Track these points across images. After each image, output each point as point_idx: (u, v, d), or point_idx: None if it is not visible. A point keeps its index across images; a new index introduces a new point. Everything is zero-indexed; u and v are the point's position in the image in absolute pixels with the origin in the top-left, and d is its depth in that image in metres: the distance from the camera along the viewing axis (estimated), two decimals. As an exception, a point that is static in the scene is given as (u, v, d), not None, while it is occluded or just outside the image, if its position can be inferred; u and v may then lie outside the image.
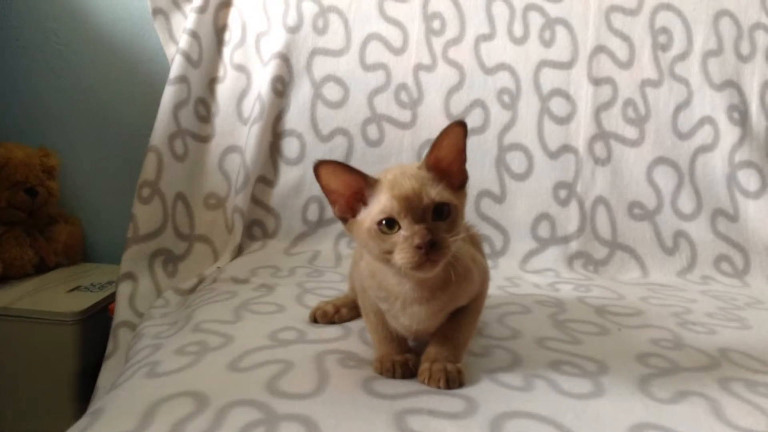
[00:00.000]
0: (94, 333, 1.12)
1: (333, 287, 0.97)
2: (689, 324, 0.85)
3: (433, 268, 0.58)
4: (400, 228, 0.58)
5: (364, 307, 0.70)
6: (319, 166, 0.60)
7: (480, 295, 0.69)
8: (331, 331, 0.77)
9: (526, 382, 0.64)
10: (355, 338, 0.75)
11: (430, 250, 0.57)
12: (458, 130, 0.60)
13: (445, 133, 0.60)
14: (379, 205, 0.59)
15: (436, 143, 0.61)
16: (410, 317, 0.64)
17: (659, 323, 0.85)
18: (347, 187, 0.61)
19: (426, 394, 0.60)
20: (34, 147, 1.33)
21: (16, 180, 1.27)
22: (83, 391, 1.09)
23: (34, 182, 1.29)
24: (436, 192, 0.59)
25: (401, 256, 0.57)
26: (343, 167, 0.60)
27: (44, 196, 1.31)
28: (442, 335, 0.66)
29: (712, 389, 0.63)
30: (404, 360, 0.65)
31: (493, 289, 1.01)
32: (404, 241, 0.57)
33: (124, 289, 1.07)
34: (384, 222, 0.58)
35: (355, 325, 0.80)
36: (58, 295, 1.19)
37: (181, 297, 1.04)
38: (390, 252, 0.58)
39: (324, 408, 0.56)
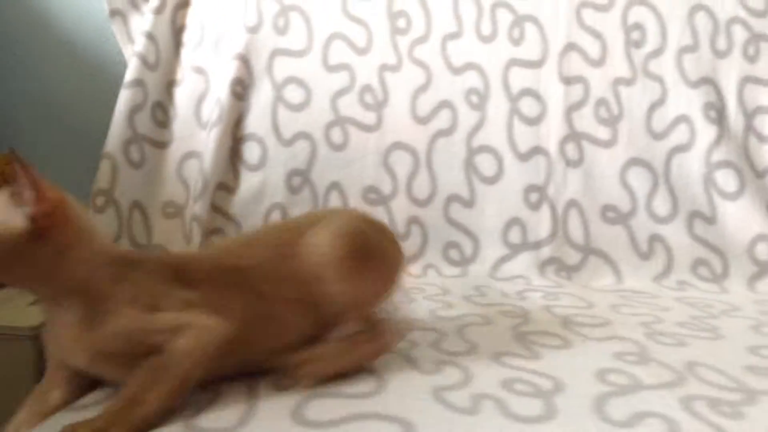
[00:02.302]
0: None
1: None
2: (658, 335, 0.81)
3: None
4: None
5: None
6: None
7: None
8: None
9: (472, 402, 0.60)
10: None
11: None
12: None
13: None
14: None
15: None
16: None
17: (626, 334, 0.81)
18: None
19: (362, 419, 0.56)
20: (-6, 154, 1.29)
21: (-30, 188, 1.22)
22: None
23: (-8, 190, 1.24)
24: None
25: None
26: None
27: (1, 205, 1.26)
28: None
29: (672, 409, 0.59)
30: None
31: (459, 299, 0.97)
32: None
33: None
34: None
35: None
36: (17, 309, 1.14)
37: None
38: None
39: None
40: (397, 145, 1.16)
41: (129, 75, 1.16)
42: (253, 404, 0.58)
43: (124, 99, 1.14)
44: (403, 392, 0.62)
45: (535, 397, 0.61)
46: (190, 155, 1.17)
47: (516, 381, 0.65)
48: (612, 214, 1.13)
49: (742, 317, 0.92)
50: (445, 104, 1.17)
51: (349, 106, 1.17)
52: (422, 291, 1.01)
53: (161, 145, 1.18)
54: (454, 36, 1.18)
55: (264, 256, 0.63)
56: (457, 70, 1.17)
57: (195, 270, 0.60)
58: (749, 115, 1.15)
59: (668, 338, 0.80)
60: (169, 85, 1.20)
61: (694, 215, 1.12)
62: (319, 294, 0.63)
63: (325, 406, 0.58)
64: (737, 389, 0.64)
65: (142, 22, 1.21)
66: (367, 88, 1.17)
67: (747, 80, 1.16)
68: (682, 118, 1.15)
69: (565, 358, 0.72)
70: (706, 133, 1.14)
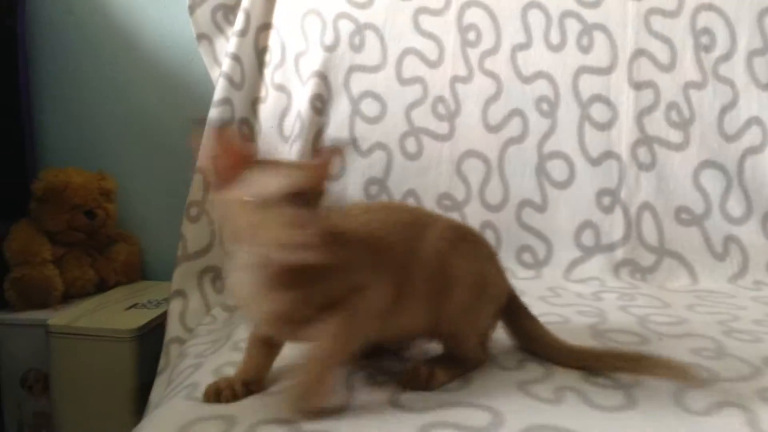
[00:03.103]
0: (152, 349, 1.16)
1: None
2: (734, 332, 0.83)
3: None
4: None
5: None
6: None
7: None
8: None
9: (556, 395, 0.64)
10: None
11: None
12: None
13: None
14: (257, 181, 0.56)
15: None
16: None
17: (703, 332, 0.83)
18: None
19: (452, 407, 0.60)
20: (92, 171, 1.40)
21: (75, 203, 1.34)
22: (142, 405, 1.13)
23: (93, 205, 1.36)
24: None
25: (274, 232, 0.54)
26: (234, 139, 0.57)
27: (102, 218, 1.37)
28: None
29: (750, 400, 0.62)
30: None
31: (535, 300, 1.01)
32: (283, 217, 0.54)
33: (174, 307, 1.12)
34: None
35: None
36: (116, 313, 1.24)
37: (229, 313, 1.07)
38: (256, 228, 0.55)
39: (350, 423, 0.57)
40: (470, 153, 1.21)
41: (217, 94, 1.25)
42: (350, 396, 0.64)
43: (213, 116, 1.23)
44: (488, 386, 0.66)
45: (616, 389, 0.65)
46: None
47: (596, 375, 0.68)
48: (686, 216, 1.15)
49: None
50: (515, 113, 1.21)
51: (423, 117, 1.22)
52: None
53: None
54: (524, 46, 1.22)
55: (405, 236, 0.66)
56: (527, 79, 1.21)
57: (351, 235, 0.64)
58: (824, 116, 1.15)
59: (745, 335, 0.82)
60: (254, 102, 1.28)
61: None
62: (443, 281, 0.66)
63: (419, 396, 0.63)
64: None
65: (227, 44, 1.29)
66: (439, 100, 1.22)
67: (821, 81, 1.15)
68: (754, 120, 1.15)
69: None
70: (777, 138, 1.14)
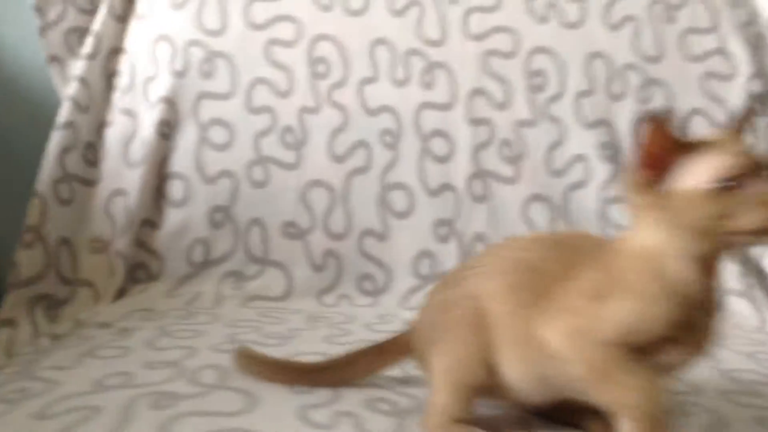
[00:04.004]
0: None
1: (196, 329, 0.98)
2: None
3: None
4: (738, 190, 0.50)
5: (620, 373, 0.55)
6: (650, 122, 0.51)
7: None
8: (160, 374, 0.78)
9: (331, 420, 0.66)
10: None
11: None
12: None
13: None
14: (712, 166, 0.51)
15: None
16: (708, 333, 0.55)
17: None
18: (661, 151, 0.52)
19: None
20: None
21: None
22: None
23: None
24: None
25: (753, 215, 0.49)
26: (667, 130, 0.51)
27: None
28: None
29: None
30: None
31: (359, 327, 1.03)
32: (757, 197, 0.49)
33: (2, 335, 1.07)
34: (727, 181, 0.50)
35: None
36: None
37: (54, 342, 1.04)
38: (726, 217, 0.50)
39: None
40: (315, 183, 1.23)
41: (61, 117, 1.22)
42: (124, 421, 0.63)
43: (55, 140, 1.20)
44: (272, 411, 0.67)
45: (391, 415, 0.67)
46: (117, 193, 1.23)
47: (378, 399, 0.71)
48: (517, 247, 1.20)
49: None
50: (360, 144, 1.24)
51: (271, 145, 1.24)
52: (327, 319, 1.07)
53: (90, 183, 1.24)
54: (371, 81, 1.26)
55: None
56: (372, 112, 1.25)
57: None
58: (642, 154, 1.24)
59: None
60: (100, 126, 1.27)
61: (592, 247, 1.20)
62: None
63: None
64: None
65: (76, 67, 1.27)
66: (287, 129, 1.25)
67: (640, 122, 1.24)
68: (579, 158, 1.23)
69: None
70: (602, 170, 1.22)
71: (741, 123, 0.56)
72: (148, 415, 0.66)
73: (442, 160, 1.24)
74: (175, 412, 0.67)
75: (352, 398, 0.72)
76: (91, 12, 1.31)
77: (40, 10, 1.28)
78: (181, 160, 1.24)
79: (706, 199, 0.50)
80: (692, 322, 0.53)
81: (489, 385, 0.62)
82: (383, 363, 0.75)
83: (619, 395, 0.55)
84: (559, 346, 0.56)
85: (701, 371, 0.87)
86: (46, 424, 0.63)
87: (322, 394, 0.73)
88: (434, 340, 0.65)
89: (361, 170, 1.24)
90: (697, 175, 0.51)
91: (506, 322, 0.59)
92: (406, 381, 0.78)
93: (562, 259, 0.59)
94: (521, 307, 0.58)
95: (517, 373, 0.60)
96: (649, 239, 0.54)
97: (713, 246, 0.52)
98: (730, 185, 0.50)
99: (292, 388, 0.74)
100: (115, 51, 1.30)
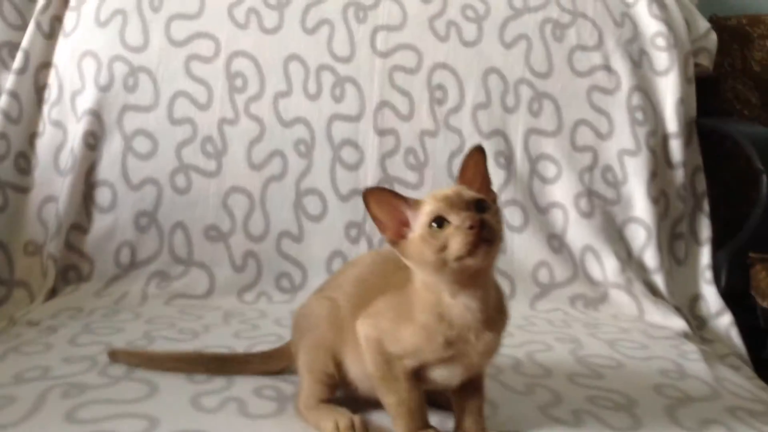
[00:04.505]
0: None
1: (117, 326, 1.08)
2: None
3: (487, 253, 0.60)
4: (449, 224, 0.61)
5: (386, 376, 0.68)
6: (367, 195, 0.64)
7: None
8: (75, 367, 0.88)
9: (220, 405, 0.77)
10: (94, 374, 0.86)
11: (482, 230, 0.59)
12: (478, 155, 0.67)
13: (467, 159, 0.67)
14: (425, 213, 0.62)
15: (462, 169, 0.67)
16: (485, 346, 0.65)
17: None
18: (395, 212, 0.64)
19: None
20: None
21: None
22: None
23: None
24: (474, 192, 0.64)
25: (456, 241, 0.59)
26: (389, 193, 0.64)
27: None
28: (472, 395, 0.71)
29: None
30: None
31: (270, 323, 1.14)
32: (456, 228, 0.60)
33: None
34: (433, 222, 0.61)
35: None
36: None
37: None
38: (444, 248, 0.60)
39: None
40: (235, 189, 1.34)
41: (-8, 129, 1.30)
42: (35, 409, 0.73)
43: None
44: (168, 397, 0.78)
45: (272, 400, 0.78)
46: (48, 199, 1.32)
47: (266, 387, 0.82)
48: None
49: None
50: (276, 153, 1.35)
51: (192, 155, 1.34)
52: (242, 315, 1.18)
53: (24, 190, 1.33)
54: (285, 94, 1.37)
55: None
56: (287, 124, 1.36)
57: None
58: (533, 161, 1.37)
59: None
60: (32, 136, 1.35)
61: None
62: None
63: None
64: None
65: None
66: (208, 139, 1.34)
67: (531, 132, 1.38)
68: (476, 164, 1.35)
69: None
70: (496, 176, 1.35)
71: (467, 163, 0.67)
72: (58, 404, 0.76)
73: (352, 167, 1.35)
74: (82, 400, 0.77)
75: (243, 386, 0.83)
76: (21, 27, 1.39)
77: (-30, 27, 1.35)
78: (107, 169, 1.33)
79: (424, 240, 0.61)
80: (465, 339, 0.65)
81: (340, 378, 0.74)
82: (268, 369, 0.87)
83: (385, 398, 0.69)
84: (363, 346, 0.69)
85: (559, 356, 1.01)
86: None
87: (217, 382, 0.84)
88: (299, 339, 0.77)
89: (277, 177, 1.35)
90: (418, 223, 0.63)
91: (348, 325, 0.71)
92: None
93: (383, 273, 0.72)
94: (353, 313, 0.71)
95: (354, 368, 0.73)
96: (419, 276, 0.66)
97: (453, 275, 0.62)
98: (439, 224, 0.61)
99: (192, 378, 0.85)
100: (44, 65, 1.38)
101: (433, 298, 0.65)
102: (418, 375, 0.68)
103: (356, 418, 0.70)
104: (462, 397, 0.71)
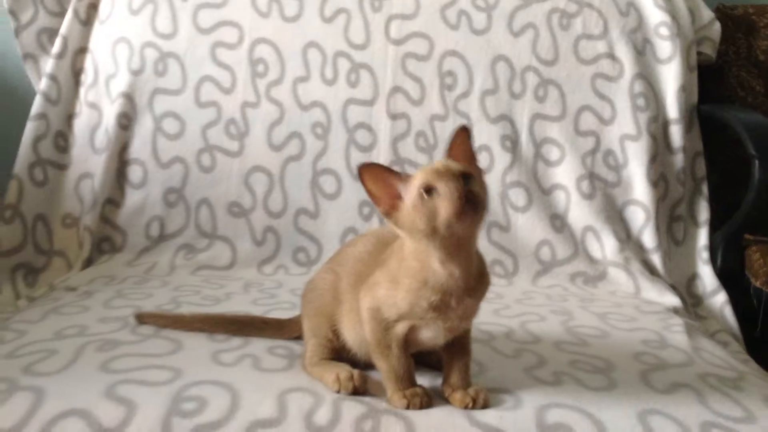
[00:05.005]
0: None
1: (147, 293, 1.18)
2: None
3: (474, 220, 0.67)
4: (438, 194, 0.67)
5: (381, 343, 0.76)
6: (362, 170, 0.71)
7: None
8: (109, 326, 0.98)
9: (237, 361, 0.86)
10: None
11: (469, 197, 0.65)
12: (464, 133, 0.72)
13: (454, 137, 0.72)
14: (415, 185, 0.68)
15: (449, 146, 0.72)
16: (464, 311, 0.73)
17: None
18: (388, 187, 0.71)
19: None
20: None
21: None
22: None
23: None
24: (462, 165, 0.69)
25: (445, 207, 0.65)
26: (382, 169, 0.71)
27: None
28: (459, 353, 0.78)
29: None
30: (424, 391, 0.76)
31: (286, 293, 1.23)
32: (444, 196, 0.66)
33: (-15, 297, 1.29)
34: (424, 191, 0.67)
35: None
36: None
37: (30, 303, 1.24)
38: (434, 215, 0.66)
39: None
40: (256, 168, 1.43)
41: (34, 109, 1.42)
42: (73, 360, 0.84)
43: (29, 130, 1.40)
44: (191, 353, 0.88)
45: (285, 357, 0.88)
46: (85, 176, 1.43)
47: (279, 346, 0.92)
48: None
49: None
50: (295, 135, 1.44)
51: (217, 136, 1.43)
52: (261, 285, 1.27)
53: (62, 167, 1.44)
54: (303, 79, 1.45)
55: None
56: (305, 107, 1.44)
57: None
58: (538, 145, 1.44)
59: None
60: (69, 117, 1.46)
61: (493, 225, 1.40)
62: None
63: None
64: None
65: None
66: (231, 121, 1.44)
67: (537, 117, 1.45)
68: (483, 147, 1.43)
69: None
70: (503, 159, 1.42)
71: (454, 141, 0.73)
72: (93, 356, 0.86)
73: (366, 149, 1.44)
74: (115, 353, 0.87)
75: (258, 345, 0.93)
76: (60, 14, 1.49)
77: (13, 12, 1.46)
78: (139, 148, 1.43)
79: (416, 208, 0.68)
80: (447, 304, 0.72)
81: (338, 344, 0.83)
82: (281, 335, 0.96)
83: (378, 362, 0.77)
84: (364, 315, 0.77)
85: (550, 326, 1.09)
86: (15, 361, 0.84)
87: (235, 341, 0.94)
88: (306, 306, 0.87)
89: (295, 157, 1.44)
90: (409, 194, 0.70)
91: (346, 297, 0.81)
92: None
93: (377, 251, 0.80)
94: (352, 286, 0.80)
95: (349, 335, 0.82)
96: (409, 245, 0.73)
97: (443, 242, 0.68)
98: (428, 192, 0.67)
99: (213, 338, 0.95)
100: (81, 51, 1.48)
101: (419, 266, 0.72)
102: (407, 341, 0.76)
103: (355, 371, 0.79)
104: (450, 356, 0.80)
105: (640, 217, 1.42)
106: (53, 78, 1.44)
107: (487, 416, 0.75)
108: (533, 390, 0.81)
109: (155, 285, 1.24)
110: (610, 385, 0.85)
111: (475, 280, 0.73)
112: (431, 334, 0.76)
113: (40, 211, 1.40)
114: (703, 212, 1.47)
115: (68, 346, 0.89)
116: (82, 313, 1.05)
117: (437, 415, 0.75)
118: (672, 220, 1.46)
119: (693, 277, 1.44)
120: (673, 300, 1.29)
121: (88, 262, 1.38)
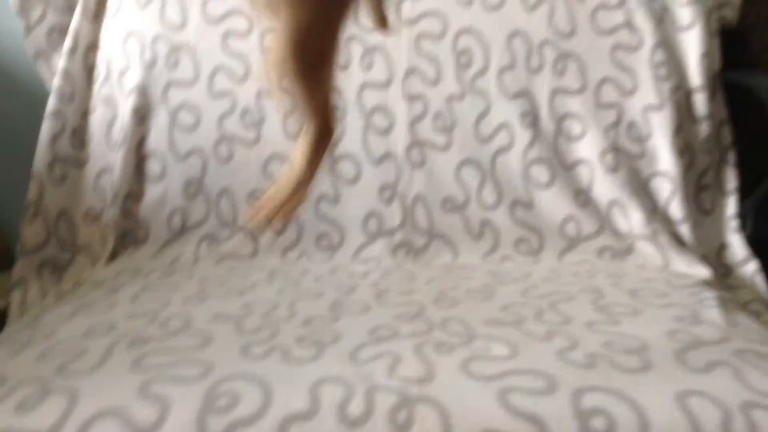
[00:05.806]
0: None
1: (174, 285, 1.18)
2: (442, 300, 1.07)
3: None
4: None
5: None
6: None
7: None
8: (138, 322, 0.98)
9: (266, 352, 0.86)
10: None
11: None
12: None
13: None
14: None
15: None
16: None
17: (413, 299, 1.07)
18: None
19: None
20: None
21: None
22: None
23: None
24: None
25: None
26: None
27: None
28: None
29: (406, 349, 0.85)
30: None
31: (310, 281, 1.23)
32: None
33: (15, 295, 1.30)
34: None
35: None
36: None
37: (57, 299, 1.25)
38: None
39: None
40: (274, 156, 1.42)
41: (50, 106, 1.41)
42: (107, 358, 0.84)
43: (46, 128, 1.39)
44: (220, 347, 0.88)
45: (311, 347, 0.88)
46: (104, 171, 1.43)
47: (305, 338, 0.91)
48: (450, 205, 1.39)
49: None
50: (311, 121, 1.42)
51: (232, 125, 1.42)
52: (285, 273, 1.27)
53: (80, 163, 1.44)
54: (317, 64, 1.43)
55: None
56: (320, 93, 1.42)
57: None
58: (558, 120, 1.41)
59: (447, 301, 1.06)
60: (85, 113, 1.45)
61: (516, 203, 1.39)
62: None
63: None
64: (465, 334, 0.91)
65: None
66: (246, 111, 1.42)
67: (556, 91, 1.42)
68: (503, 125, 1.41)
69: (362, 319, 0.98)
70: (523, 136, 1.40)
71: None
72: (124, 354, 0.86)
73: (383, 132, 1.42)
74: (145, 350, 0.87)
75: (286, 335, 0.93)
76: (69, 11, 1.48)
77: (22, 12, 1.45)
78: (155, 141, 1.42)
79: None
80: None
81: None
82: None
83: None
84: None
85: (580, 306, 1.07)
86: (47, 362, 0.84)
87: (263, 333, 0.93)
88: None
89: (313, 144, 1.42)
90: None
91: None
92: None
93: None
94: None
95: None
96: None
97: None
98: None
99: (241, 330, 0.94)
100: (92, 46, 1.47)
101: None
102: None
103: None
104: None
105: (667, 188, 1.39)
106: (67, 74, 1.43)
107: (523, 403, 0.74)
108: (568, 374, 0.80)
109: (180, 277, 1.25)
110: (645, 367, 0.84)
111: None
112: None
113: (62, 208, 1.40)
114: (731, 180, 1.44)
115: (99, 345, 0.89)
116: (110, 310, 1.05)
117: (472, 404, 0.74)
118: (699, 190, 1.43)
119: (722, 247, 1.41)
120: (703, 271, 1.26)
121: (113, 257, 1.38)
